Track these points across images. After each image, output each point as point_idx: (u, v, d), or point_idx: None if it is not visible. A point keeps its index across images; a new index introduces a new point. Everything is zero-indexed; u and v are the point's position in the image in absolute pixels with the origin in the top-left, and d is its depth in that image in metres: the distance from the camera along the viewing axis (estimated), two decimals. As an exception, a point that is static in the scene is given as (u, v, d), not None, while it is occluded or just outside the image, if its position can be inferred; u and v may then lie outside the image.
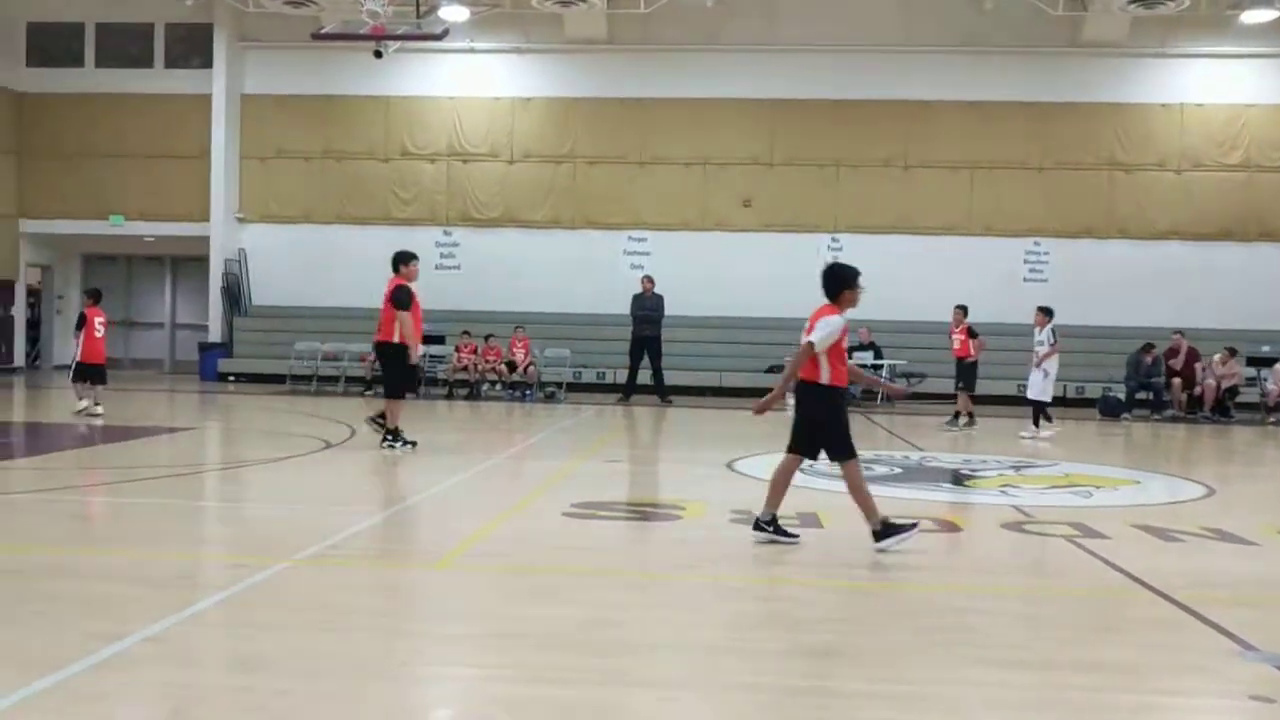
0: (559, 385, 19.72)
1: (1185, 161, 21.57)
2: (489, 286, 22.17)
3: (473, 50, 22.39)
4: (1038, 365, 14.44)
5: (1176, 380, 18.48)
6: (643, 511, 7.83)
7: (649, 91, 22.22)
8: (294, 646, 4.30)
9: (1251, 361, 19.18)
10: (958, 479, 9.72)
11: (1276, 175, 21.35)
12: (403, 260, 11.00)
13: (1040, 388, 14.37)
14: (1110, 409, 18.35)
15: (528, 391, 19.09)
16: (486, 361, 19.35)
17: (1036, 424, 14.26)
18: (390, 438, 10.68)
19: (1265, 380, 18.55)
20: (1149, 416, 18.22)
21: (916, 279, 21.46)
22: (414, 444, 10.70)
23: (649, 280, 19.30)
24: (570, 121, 22.54)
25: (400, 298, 10.67)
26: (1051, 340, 14.46)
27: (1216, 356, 18.59)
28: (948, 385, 20.31)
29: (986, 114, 21.72)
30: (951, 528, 7.23)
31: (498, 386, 19.42)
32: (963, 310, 15.96)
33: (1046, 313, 14.75)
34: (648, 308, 19.00)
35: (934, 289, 21.47)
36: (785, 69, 21.90)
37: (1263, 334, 20.27)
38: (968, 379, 15.87)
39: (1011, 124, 21.67)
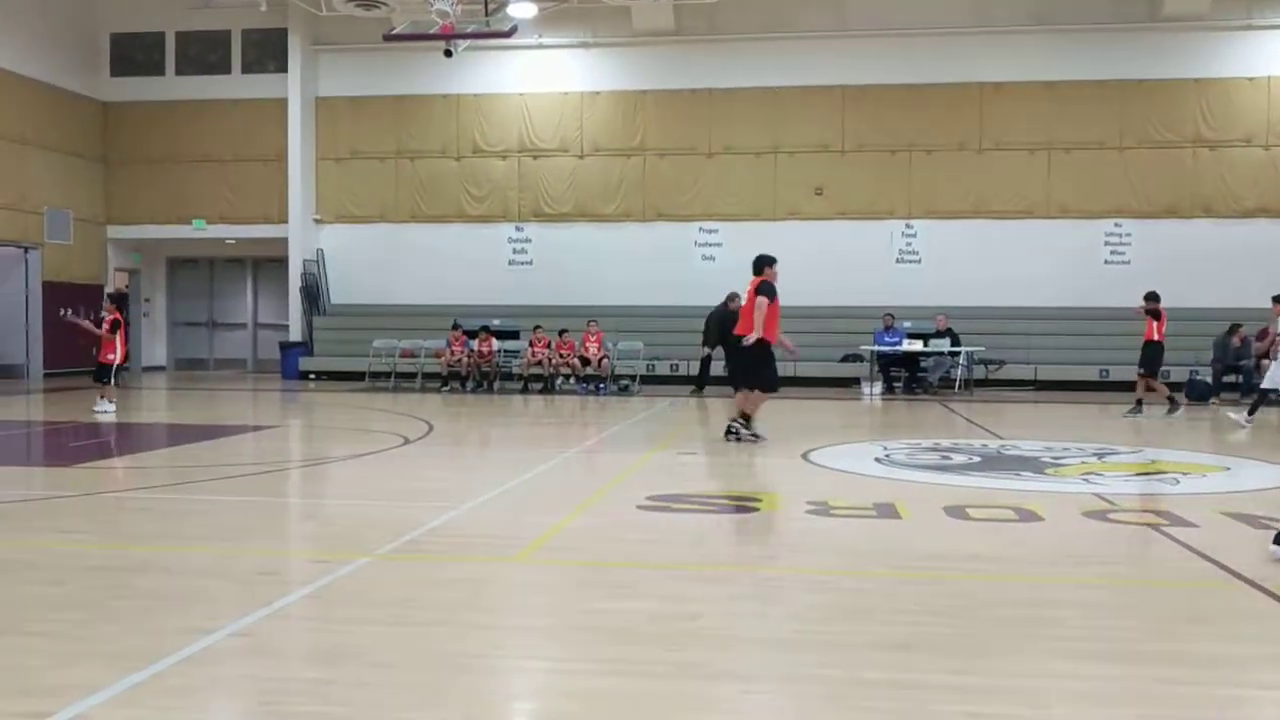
0: (633, 378, 19.79)
1: (1274, 136, 20.91)
2: (561, 281, 22.33)
3: (541, 46, 22.53)
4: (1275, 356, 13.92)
5: (1265, 362, 17.90)
6: (718, 504, 7.82)
7: (717, 82, 22.17)
8: (375, 640, 4.38)
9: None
10: (1039, 467, 9.54)
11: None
12: (767, 262, 11.46)
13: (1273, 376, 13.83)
14: (1197, 393, 17.89)
15: (601, 385, 19.17)
16: (560, 356, 19.47)
17: (1253, 412, 13.89)
18: (740, 422, 11.26)
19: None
20: (1238, 400, 17.70)
21: (993, 264, 21.18)
22: (761, 438, 11.18)
23: (733, 298, 18.90)
24: (639, 114, 22.57)
25: (766, 290, 11.13)
26: None
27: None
28: (1027, 371, 20.04)
29: (1061, 94, 21.29)
30: (1032, 516, 7.10)
31: (571, 380, 19.54)
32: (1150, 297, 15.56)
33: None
34: (727, 327, 18.56)
35: (1011, 273, 21.18)
36: (854, 55, 21.68)
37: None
38: (1150, 363, 15.43)
39: (1088, 103, 21.21)
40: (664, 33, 22.13)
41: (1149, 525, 6.79)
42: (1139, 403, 15.31)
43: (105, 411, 14.20)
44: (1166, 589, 5.46)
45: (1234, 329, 18.30)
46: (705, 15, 21.95)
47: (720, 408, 16.54)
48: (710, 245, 22.29)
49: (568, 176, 22.87)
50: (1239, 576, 5.44)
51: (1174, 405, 15.16)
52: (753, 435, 11.27)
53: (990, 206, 21.55)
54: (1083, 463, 9.84)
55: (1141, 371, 15.57)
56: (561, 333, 19.72)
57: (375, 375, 20.47)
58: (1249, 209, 20.99)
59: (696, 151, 22.42)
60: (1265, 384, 14.05)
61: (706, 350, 18.68)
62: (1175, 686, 3.89)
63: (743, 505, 7.76)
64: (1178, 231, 21.18)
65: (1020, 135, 21.44)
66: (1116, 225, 21.38)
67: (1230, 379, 18.23)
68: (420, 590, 5.23)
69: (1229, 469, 9.95)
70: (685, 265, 22.06)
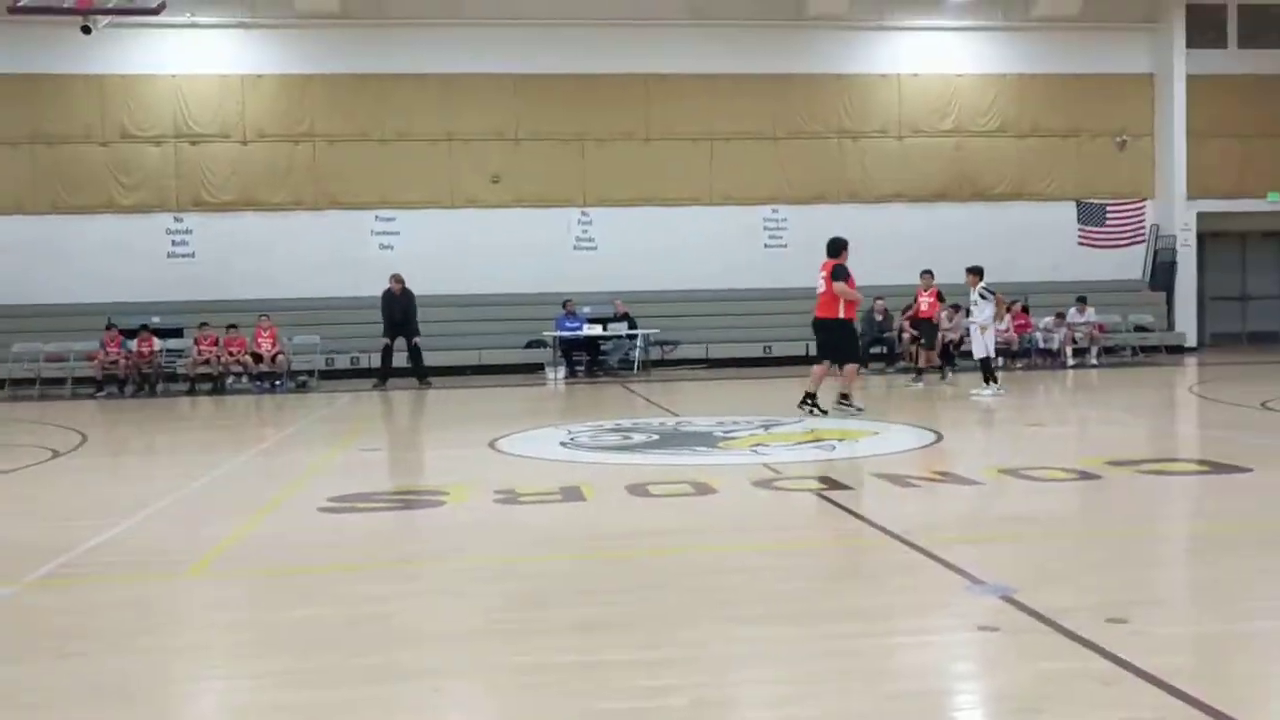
0: (310, 373, 19.08)
1: (905, 129, 23.00)
2: (228, 274, 21.13)
3: (195, 25, 21.15)
4: (974, 324, 14.76)
5: (907, 334, 19.76)
6: (404, 500, 7.69)
7: (387, 67, 21.66)
8: (25, 678, 3.99)
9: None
10: (712, 441, 10.06)
11: (983, 140, 23.09)
12: (843, 245, 12.40)
13: (982, 345, 14.54)
14: (849, 364, 19.41)
15: (278, 382, 18.35)
16: (230, 353, 18.45)
17: (986, 382, 14.40)
18: (844, 400, 12.02)
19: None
20: (884, 369, 19.43)
21: (664, 250, 22.01)
22: (862, 409, 11.99)
23: (398, 280, 18.67)
24: (306, 99, 21.67)
25: (841, 272, 11.91)
26: (985, 297, 14.63)
27: (944, 312, 19.99)
28: (699, 351, 21.05)
29: (721, 86, 22.38)
30: (708, 489, 7.48)
31: (244, 379, 18.57)
32: (930, 274, 17.28)
33: (977, 272, 14.99)
34: (398, 307, 18.43)
35: (681, 258, 22.12)
36: (527, 44, 21.82)
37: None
38: (929, 337, 17.17)
39: (743, 96, 22.43)
40: (329, 15, 21.34)
41: (811, 491, 7.32)
42: (919, 372, 16.87)
43: None
44: (828, 549, 5.92)
45: (876, 303, 20.02)
46: (372, -1, 21.45)
47: (406, 399, 16.29)
48: (388, 234, 21.80)
49: (230, 163, 21.62)
50: (888, 532, 5.97)
51: (921, 374, 16.77)
52: (857, 408, 11.99)
53: (660, 194, 22.37)
54: (751, 434, 10.46)
55: (922, 343, 17.25)
56: (230, 328, 18.68)
57: (16, 383, 18.55)
58: (887, 194, 22.97)
59: (369, 138, 21.82)
60: (979, 354, 14.73)
61: (386, 340, 18.34)
62: (845, 640, 4.22)
63: (430, 499, 7.68)
64: (828, 216, 22.75)
65: (684, 126, 22.37)
66: (774, 211, 22.80)
67: (876, 350, 19.92)
68: (79, 618, 4.81)
69: (878, 433, 10.89)
70: (362, 254, 21.48)
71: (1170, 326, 22.79)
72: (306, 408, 15.30)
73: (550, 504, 7.22)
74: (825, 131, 22.82)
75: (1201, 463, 8.62)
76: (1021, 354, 20.10)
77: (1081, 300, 20.38)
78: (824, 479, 7.68)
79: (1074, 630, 4.13)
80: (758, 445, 9.67)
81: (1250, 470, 7.95)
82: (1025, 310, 20.19)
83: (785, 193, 22.75)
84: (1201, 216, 23.36)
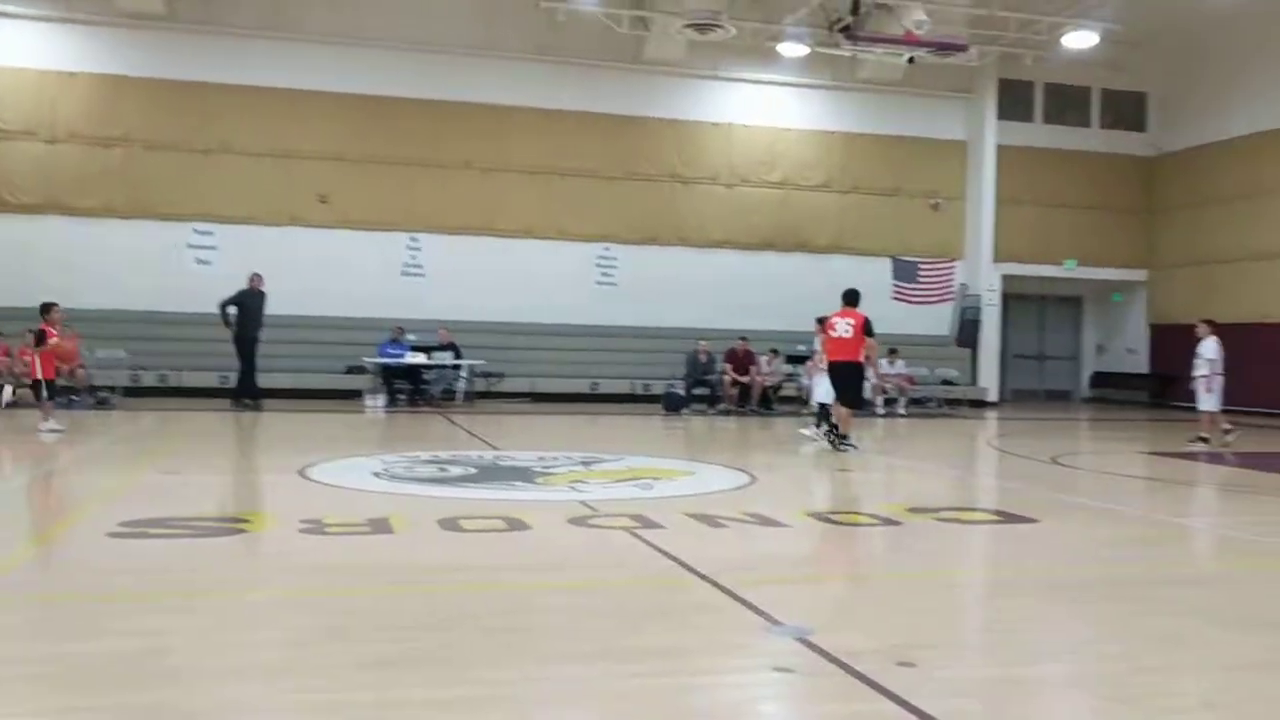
0: (112, 389, 18.09)
1: (734, 177, 23.61)
2: (26, 281, 19.81)
3: (4, 15, 19.98)
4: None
5: (728, 377, 20.19)
6: (203, 526, 7.34)
7: (215, 76, 20.93)
8: None
9: (791, 360, 21.36)
10: (530, 476, 10.00)
11: (808, 193, 23.93)
12: (859, 297, 13.59)
13: (824, 390, 14.56)
14: (672, 404, 19.71)
15: (75, 397, 17.30)
16: (24, 364, 17.28)
17: (819, 425, 14.44)
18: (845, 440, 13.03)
19: (801, 377, 20.74)
20: (706, 411, 19.77)
21: (495, 281, 21.90)
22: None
23: (258, 277, 18.06)
24: (123, 101, 20.70)
25: (870, 329, 13.23)
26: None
27: (764, 357, 20.55)
28: (525, 384, 20.96)
29: (560, 122, 22.53)
30: (521, 525, 7.41)
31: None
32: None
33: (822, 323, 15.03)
34: (255, 305, 17.86)
35: (512, 290, 22.06)
36: (369, 65, 21.47)
37: (801, 335, 22.55)
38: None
39: (583, 134, 22.64)
40: (152, 16, 20.47)
41: (624, 529, 7.35)
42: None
43: None
44: (636, 588, 5.94)
45: (701, 347, 20.40)
46: (200, 4, 20.69)
47: (215, 421, 15.60)
48: (205, 248, 20.96)
49: (35, 162, 20.41)
50: (695, 572, 6.04)
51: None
52: (854, 444, 13.12)
53: (493, 225, 22.27)
54: (570, 471, 10.45)
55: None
56: (34, 335, 17.50)
57: None
58: (717, 240, 23.51)
59: (191, 148, 20.97)
60: (820, 399, 14.90)
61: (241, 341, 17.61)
62: (640, 679, 4.23)
63: (230, 526, 7.36)
64: (658, 258, 23.20)
65: (522, 159, 22.38)
66: (606, 249, 23.01)
67: (699, 391, 20.27)
68: None
69: (694, 473, 11.05)
70: (176, 267, 20.57)
71: (974, 381, 24.00)
72: (107, 426, 14.48)
73: (357, 535, 7.03)
74: (658, 175, 23.22)
75: (994, 512, 9.07)
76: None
77: (893, 352, 21.23)
78: (638, 517, 7.72)
79: (865, 673, 4.25)
80: (576, 482, 9.66)
81: (1037, 521, 8.40)
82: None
83: (618, 232, 22.99)
84: (1006, 279, 24.77)
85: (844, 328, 13.27)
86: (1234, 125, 23.36)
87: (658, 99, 23.15)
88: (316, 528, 7.15)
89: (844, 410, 13.26)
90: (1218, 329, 15.55)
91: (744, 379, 20.20)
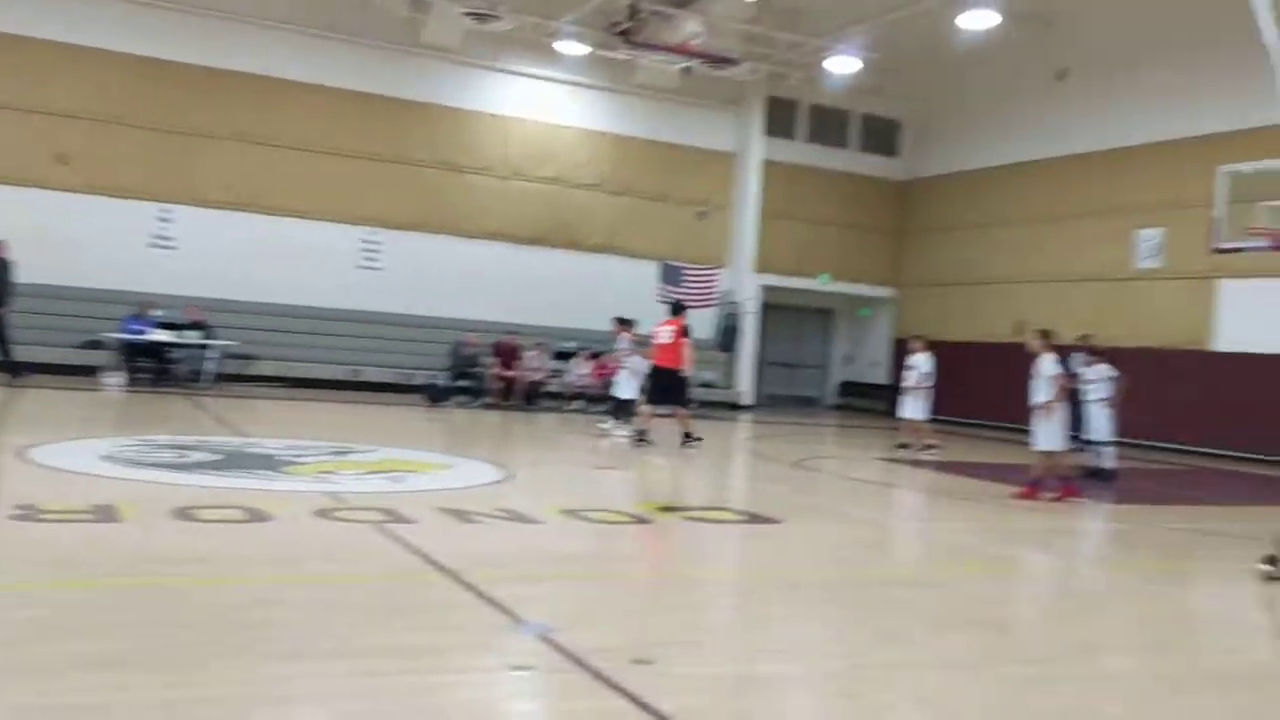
0: None
1: (508, 170, 23.51)
2: None
3: None
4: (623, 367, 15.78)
5: (494, 370, 20.10)
6: (-102, 510, 6.67)
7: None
8: None
9: (557, 356, 21.48)
10: (277, 465, 9.62)
11: (580, 191, 24.12)
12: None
13: (628, 388, 15.49)
14: (435, 396, 19.42)
15: None
16: None
17: (618, 419, 15.21)
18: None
19: (567, 373, 20.91)
20: (469, 404, 19.60)
21: (254, 258, 20.98)
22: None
23: (4, 244, 16.67)
24: None
25: (689, 331, 14.26)
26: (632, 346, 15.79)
27: (530, 352, 20.55)
28: (281, 368, 20.15)
29: (335, 100, 21.81)
30: (263, 516, 7.12)
31: None
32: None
33: (625, 323, 16.22)
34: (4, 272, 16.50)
35: (269, 269, 21.17)
36: (132, 22, 20.08)
37: (567, 331, 22.76)
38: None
39: (357, 113, 22.00)
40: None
41: (371, 523, 7.18)
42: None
43: None
44: (381, 584, 5.82)
45: (466, 338, 20.21)
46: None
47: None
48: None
49: None
50: (442, 568, 5.97)
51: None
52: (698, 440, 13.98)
53: (255, 200, 21.27)
54: (320, 461, 10.13)
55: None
56: None
57: None
58: (490, 231, 23.32)
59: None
60: (622, 394, 15.55)
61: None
62: (379, 678, 4.14)
63: (-68, 511, 6.72)
64: (427, 245, 22.80)
65: (291, 134, 21.50)
66: (372, 233, 22.42)
67: (464, 383, 20.05)
68: None
69: (451, 467, 10.93)
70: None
71: (731, 385, 24.84)
72: None
73: (78, 523, 6.56)
74: (430, 161, 22.82)
75: (742, 513, 9.41)
76: (601, 400, 20.97)
77: (656, 353, 21.63)
78: (387, 511, 7.56)
79: (601, 671, 4.32)
80: (325, 473, 9.37)
81: (781, 521, 8.78)
82: (596, 357, 21.01)
83: (385, 216, 22.45)
84: (766, 289, 25.76)
85: (665, 334, 14.28)
86: (973, 158, 25.18)
87: (434, 85, 22.76)
88: (30, 514, 6.63)
89: (647, 409, 14.27)
90: (933, 345, 16.53)
91: (509, 373, 20.17)
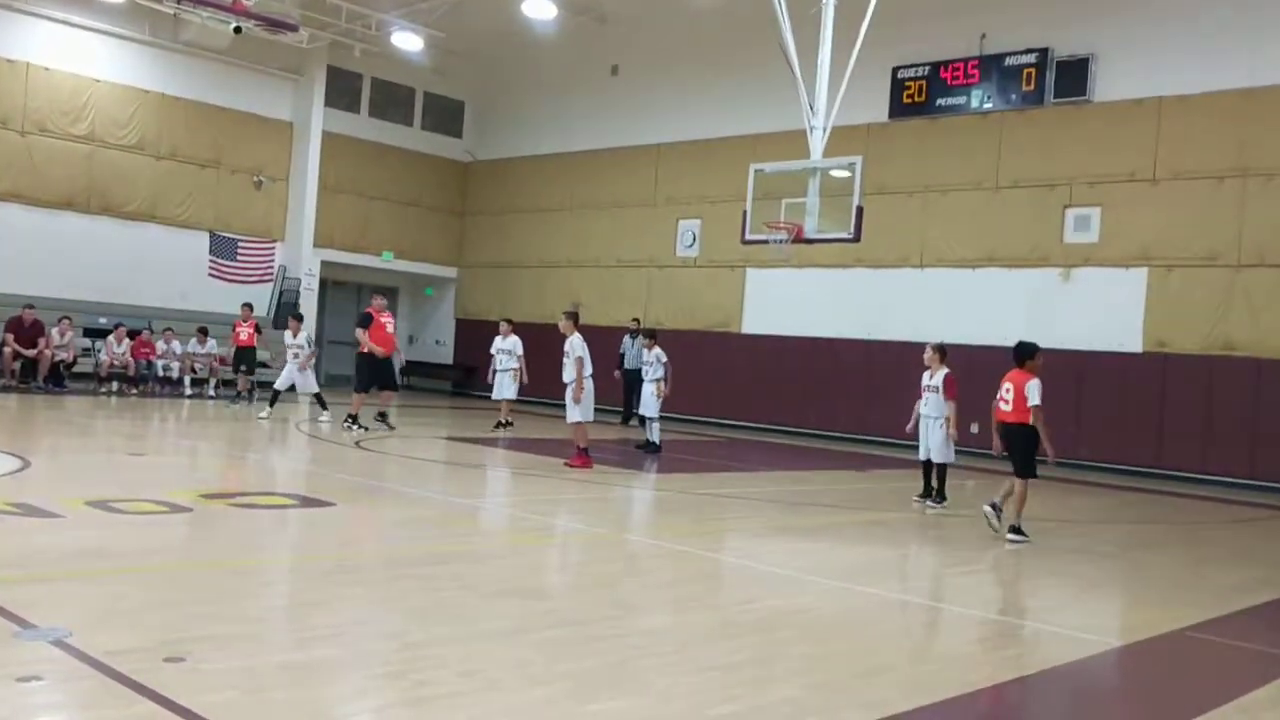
0: None
1: (30, 124, 20.97)
2: None
3: None
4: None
5: (9, 349, 17.93)
6: None
7: None
8: None
9: (88, 333, 19.54)
10: None
11: (118, 152, 22.00)
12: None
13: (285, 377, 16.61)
14: None
15: None
16: None
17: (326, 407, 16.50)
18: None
19: (99, 351, 19.08)
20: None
21: None
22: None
23: None
24: None
25: (366, 320, 15.34)
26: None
27: (55, 328, 18.51)
28: None
29: None
30: None
31: None
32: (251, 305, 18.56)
33: (298, 318, 17.23)
34: None
35: None
36: None
37: (97, 306, 20.76)
38: (249, 363, 18.59)
39: None
40: None
41: None
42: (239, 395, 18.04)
43: None
44: None
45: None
46: None
47: None
48: None
49: None
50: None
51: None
52: (365, 427, 14.53)
53: None
54: None
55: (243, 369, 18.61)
56: None
57: None
58: (6, 191, 20.63)
59: None
60: (279, 384, 16.54)
61: None
62: None
63: None
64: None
65: None
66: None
67: None
68: None
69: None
70: None
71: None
72: None
73: None
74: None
75: (293, 496, 9.08)
76: (140, 380, 19.39)
77: (203, 331, 20.33)
78: None
79: (126, 673, 3.99)
80: None
81: (334, 504, 8.57)
82: (135, 335, 19.43)
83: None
84: (326, 265, 24.99)
85: (389, 325, 15.59)
86: (533, 144, 25.97)
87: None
88: None
89: (358, 397, 15.17)
90: (517, 327, 17.34)
91: (30, 352, 18.07)
